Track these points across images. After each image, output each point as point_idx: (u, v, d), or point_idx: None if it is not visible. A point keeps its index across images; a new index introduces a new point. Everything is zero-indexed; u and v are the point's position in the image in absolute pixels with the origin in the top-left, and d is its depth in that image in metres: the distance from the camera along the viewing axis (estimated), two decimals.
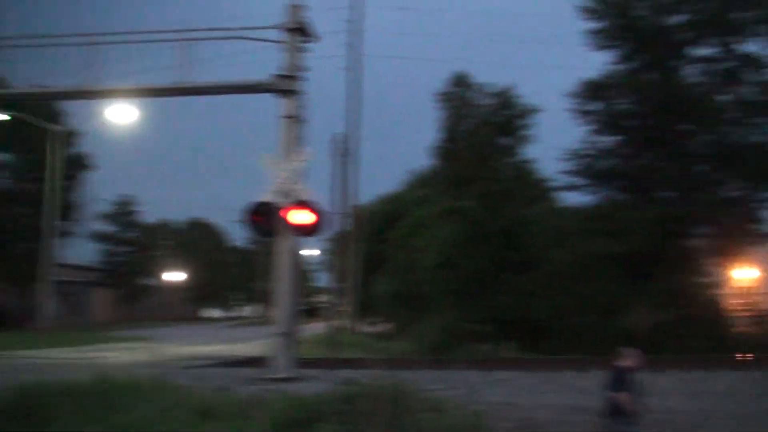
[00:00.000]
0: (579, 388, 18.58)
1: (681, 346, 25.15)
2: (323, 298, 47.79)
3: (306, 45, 16.62)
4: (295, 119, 16.11)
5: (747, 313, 29.64)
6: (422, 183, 39.55)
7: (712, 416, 16.25)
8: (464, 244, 30.11)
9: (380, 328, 42.85)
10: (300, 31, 16.38)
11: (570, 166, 30.80)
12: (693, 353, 24.01)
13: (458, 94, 33.50)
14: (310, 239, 21.07)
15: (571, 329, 27.22)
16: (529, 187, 32.64)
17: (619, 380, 10.69)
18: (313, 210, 15.41)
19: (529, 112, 32.77)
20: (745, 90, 30.35)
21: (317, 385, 13.36)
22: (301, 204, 15.30)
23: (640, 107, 30.71)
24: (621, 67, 31.10)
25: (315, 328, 36.18)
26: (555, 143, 32.01)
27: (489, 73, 72.69)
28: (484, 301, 28.85)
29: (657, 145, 30.36)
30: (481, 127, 32.41)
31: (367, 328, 42.90)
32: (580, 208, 31.10)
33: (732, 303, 30.16)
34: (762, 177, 29.56)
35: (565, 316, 27.52)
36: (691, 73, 30.84)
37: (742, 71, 30.26)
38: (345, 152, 38.52)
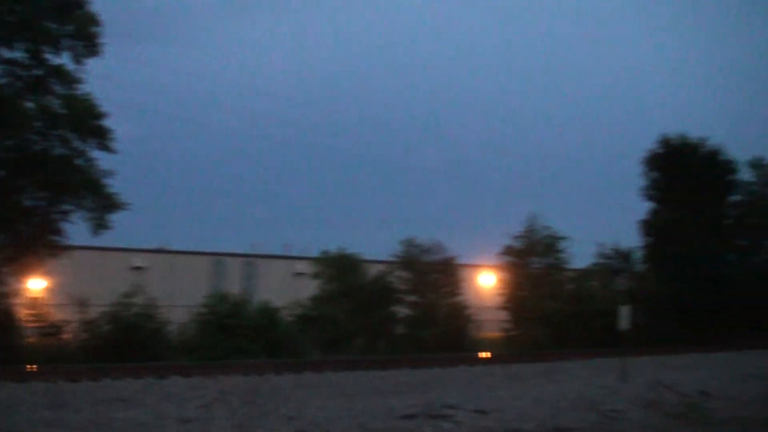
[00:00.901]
0: None
1: None
2: None
3: None
4: None
5: (37, 324, 29.72)
6: None
7: None
8: None
9: None
10: None
11: None
12: None
13: None
14: None
15: None
16: None
17: None
18: None
19: None
20: (53, 101, 30.26)
21: None
22: None
23: None
24: None
25: None
26: None
27: None
28: None
29: None
30: None
31: None
32: None
33: (24, 313, 29.91)
34: (62, 189, 29.91)
35: None
36: None
37: (51, 82, 30.10)
38: None
